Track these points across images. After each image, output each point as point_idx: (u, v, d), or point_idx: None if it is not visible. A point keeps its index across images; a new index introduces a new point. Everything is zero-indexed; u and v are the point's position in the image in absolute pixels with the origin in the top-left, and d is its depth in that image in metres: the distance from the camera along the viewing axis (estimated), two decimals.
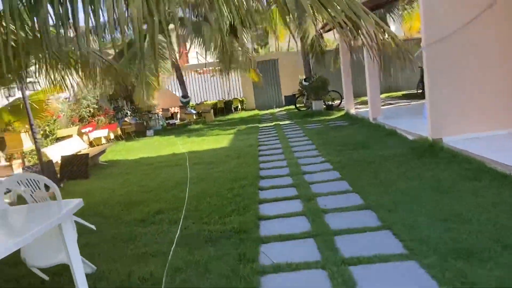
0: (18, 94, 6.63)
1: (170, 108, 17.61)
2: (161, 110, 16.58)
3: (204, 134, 12.05)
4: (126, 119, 12.36)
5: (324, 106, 14.35)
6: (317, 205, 4.37)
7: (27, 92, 6.38)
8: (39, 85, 5.69)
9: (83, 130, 9.61)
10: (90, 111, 10.89)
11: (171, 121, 14.55)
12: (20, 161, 8.21)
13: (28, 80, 5.75)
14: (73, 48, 5.03)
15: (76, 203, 2.63)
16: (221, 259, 3.25)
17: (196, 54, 27.03)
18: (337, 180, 5.37)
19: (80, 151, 8.83)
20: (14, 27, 2.22)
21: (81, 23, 2.12)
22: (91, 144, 10.36)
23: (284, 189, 5.22)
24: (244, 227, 3.89)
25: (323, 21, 13.44)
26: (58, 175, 7.53)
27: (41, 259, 3.01)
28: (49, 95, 6.71)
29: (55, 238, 2.83)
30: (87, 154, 7.65)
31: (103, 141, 10.93)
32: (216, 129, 12.90)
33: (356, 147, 7.31)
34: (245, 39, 15.99)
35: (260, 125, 12.99)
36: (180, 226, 4.16)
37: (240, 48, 14.02)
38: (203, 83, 19.58)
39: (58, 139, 8.91)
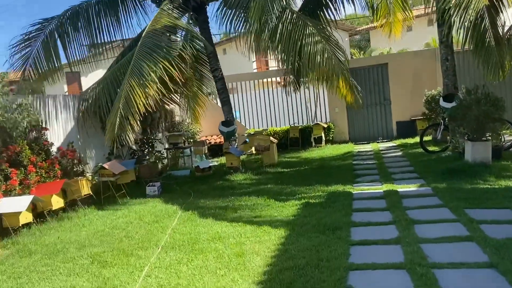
0: None
1: (210, 138, 11.88)
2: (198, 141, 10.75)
3: (236, 210, 5.77)
4: (105, 165, 6.73)
5: None
6: None
7: None
8: None
9: None
10: None
11: (201, 165, 8.62)
12: None
13: None
14: None
15: None
16: None
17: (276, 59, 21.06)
18: None
19: None
20: None
21: None
22: None
23: None
24: None
25: None
26: None
27: None
28: None
29: None
30: None
31: (26, 219, 5.31)
32: (268, 195, 6.49)
33: None
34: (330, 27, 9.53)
35: (354, 190, 6.36)
36: None
37: (322, 42, 7.54)
38: (269, 101, 13.28)
39: None
